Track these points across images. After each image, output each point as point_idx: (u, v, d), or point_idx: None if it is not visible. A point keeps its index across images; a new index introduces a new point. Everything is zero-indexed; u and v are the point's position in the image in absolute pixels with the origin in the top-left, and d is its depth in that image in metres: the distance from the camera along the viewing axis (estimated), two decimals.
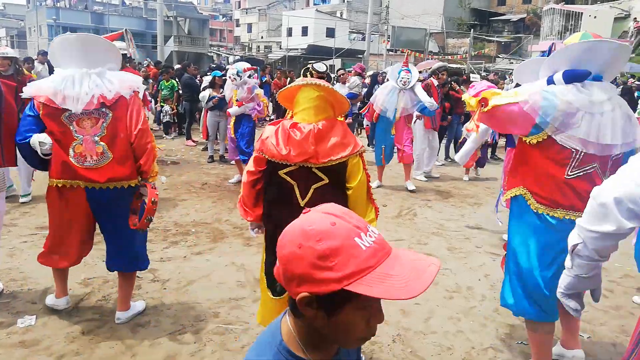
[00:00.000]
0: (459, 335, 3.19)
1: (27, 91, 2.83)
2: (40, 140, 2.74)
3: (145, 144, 2.89)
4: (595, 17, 21.99)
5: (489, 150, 9.70)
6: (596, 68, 2.35)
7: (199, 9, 49.96)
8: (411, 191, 6.85)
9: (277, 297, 2.49)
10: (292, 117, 2.48)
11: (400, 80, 6.53)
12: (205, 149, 8.97)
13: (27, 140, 2.77)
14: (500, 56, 28.76)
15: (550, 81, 2.43)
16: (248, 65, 6.83)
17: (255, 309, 3.36)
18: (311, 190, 2.34)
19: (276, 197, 2.42)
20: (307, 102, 2.35)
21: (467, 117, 9.25)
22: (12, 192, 5.77)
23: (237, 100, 6.48)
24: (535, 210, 2.45)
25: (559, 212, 2.39)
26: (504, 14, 37.62)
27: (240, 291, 3.65)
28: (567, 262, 1.35)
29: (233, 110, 6.57)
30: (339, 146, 2.32)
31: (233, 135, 6.70)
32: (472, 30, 30.74)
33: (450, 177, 8.02)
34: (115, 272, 3.35)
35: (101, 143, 2.79)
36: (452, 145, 9.59)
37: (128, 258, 3.07)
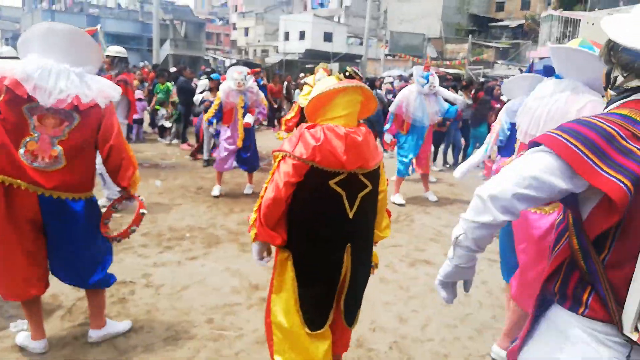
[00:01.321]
0: (456, 343, 3.16)
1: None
2: None
3: (119, 159, 2.67)
4: (593, 24, 22.07)
5: (460, 154, 9.66)
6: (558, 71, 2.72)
7: (195, 12, 50.00)
8: (434, 201, 6.71)
9: (316, 332, 2.19)
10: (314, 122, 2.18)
11: (430, 85, 6.26)
12: (201, 152, 8.93)
13: None
14: (498, 62, 28.86)
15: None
16: (248, 69, 6.64)
17: (250, 314, 3.34)
18: (358, 199, 2.13)
19: (319, 211, 2.12)
20: (350, 106, 2.12)
21: (464, 123, 9.28)
22: None
23: (243, 107, 6.12)
24: None
25: None
26: (502, 20, 37.82)
27: (234, 297, 3.61)
28: (449, 252, 1.50)
29: (251, 119, 6.17)
30: (377, 148, 2.21)
31: (240, 145, 6.19)
32: (470, 35, 30.88)
33: (448, 183, 8.00)
34: None
35: (58, 146, 2.50)
36: (450, 151, 9.61)
37: (82, 277, 2.76)
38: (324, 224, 2.13)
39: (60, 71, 2.46)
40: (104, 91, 2.62)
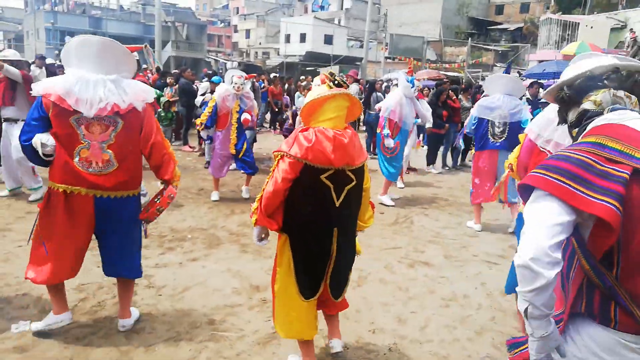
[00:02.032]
0: (455, 344, 3.18)
1: (37, 88, 2.70)
2: (42, 142, 2.65)
3: (162, 156, 2.93)
4: (591, 27, 22.13)
5: (459, 157, 9.73)
6: None
7: (197, 14, 50.10)
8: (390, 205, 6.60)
9: (309, 300, 2.58)
10: (307, 124, 2.53)
11: (415, 90, 6.37)
12: (202, 154, 8.97)
13: (29, 142, 2.68)
14: (497, 65, 28.87)
15: None
16: (245, 74, 6.65)
17: (251, 316, 3.36)
18: (344, 191, 2.49)
19: (312, 201, 2.47)
20: (337, 110, 2.47)
21: (463, 125, 9.31)
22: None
23: (238, 112, 6.07)
24: None
25: None
26: (501, 23, 37.91)
27: (235, 298, 3.64)
28: (527, 329, 1.49)
29: (250, 117, 6.11)
30: (362, 149, 2.57)
31: (233, 152, 6.15)
32: (469, 38, 30.93)
33: (448, 186, 8.03)
34: (110, 279, 3.42)
35: (108, 150, 2.75)
36: (449, 153, 9.63)
37: (128, 266, 3.05)
38: (315, 211, 2.49)
39: (97, 81, 2.70)
40: (139, 94, 2.83)
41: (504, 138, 5.31)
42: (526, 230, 1.41)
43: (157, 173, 2.99)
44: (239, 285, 3.86)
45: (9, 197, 5.83)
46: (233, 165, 6.63)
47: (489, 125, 5.40)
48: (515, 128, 5.20)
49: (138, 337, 3.04)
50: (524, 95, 7.28)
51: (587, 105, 1.54)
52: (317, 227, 2.52)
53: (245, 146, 6.26)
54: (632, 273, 1.37)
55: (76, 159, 2.71)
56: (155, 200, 2.98)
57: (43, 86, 2.71)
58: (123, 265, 3.03)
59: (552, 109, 2.79)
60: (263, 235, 2.67)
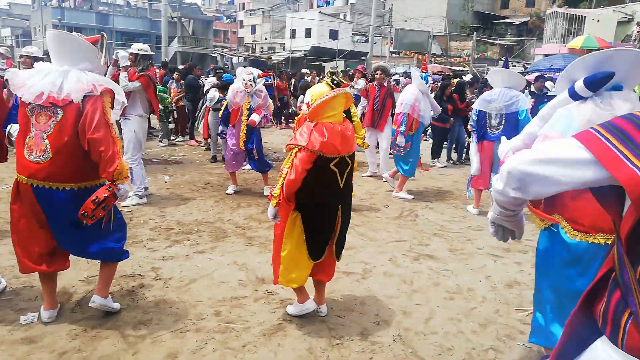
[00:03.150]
0: (460, 336, 3.20)
1: (8, 75, 2.84)
2: (10, 131, 2.95)
3: (99, 153, 2.75)
4: (598, 20, 21.96)
5: (464, 151, 9.69)
6: (616, 78, 2.23)
7: (203, 10, 50.03)
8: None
9: (316, 261, 3.14)
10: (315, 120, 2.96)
11: (429, 85, 6.48)
12: (208, 148, 9.00)
13: (5, 127, 2.99)
14: (502, 59, 28.77)
15: (571, 91, 2.35)
16: (259, 71, 6.60)
17: (257, 307, 3.39)
18: (345, 174, 3.05)
19: (322, 184, 2.98)
20: (339, 106, 3.00)
21: (469, 119, 9.28)
22: None
23: (248, 109, 6.01)
24: None
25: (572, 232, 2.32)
26: (507, 17, 37.64)
27: (241, 290, 3.67)
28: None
29: (257, 118, 6.01)
30: (354, 137, 3.12)
31: (242, 147, 6.11)
32: (475, 33, 30.75)
33: (452, 179, 8.02)
34: (118, 270, 3.48)
35: (46, 140, 2.75)
36: (453, 147, 9.61)
37: (90, 252, 3.06)
38: (325, 193, 3.03)
39: (49, 72, 2.77)
40: (80, 87, 2.76)
41: (500, 129, 5.46)
42: (531, 148, 1.35)
43: (99, 169, 2.83)
44: (244, 277, 3.89)
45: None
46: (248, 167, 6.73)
47: (487, 117, 5.59)
48: (511, 120, 5.39)
49: (145, 328, 3.08)
50: (526, 88, 7.26)
51: None
52: (327, 206, 3.08)
53: (255, 145, 6.21)
54: None
55: (25, 147, 2.79)
56: (92, 201, 2.78)
57: (13, 74, 2.85)
58: (93, 251, 3.03)
59: (582, 111, 2.31)
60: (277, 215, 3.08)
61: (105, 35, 3.24)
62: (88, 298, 3.40)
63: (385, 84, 7.33)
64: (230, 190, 6.42)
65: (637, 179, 1.03)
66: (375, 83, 7.36)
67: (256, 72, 6.31)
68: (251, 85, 5.99)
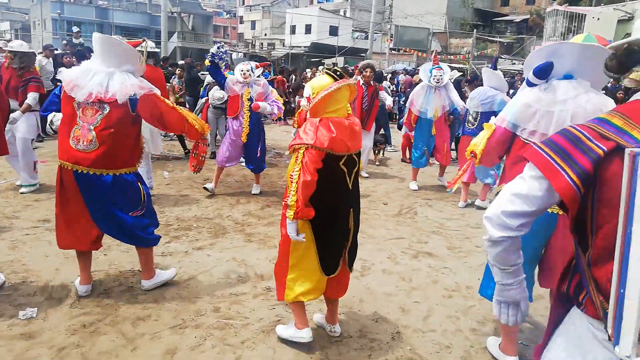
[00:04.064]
0: (458, 334, 3.21)
1: (60, 75, 3.24)
2: (53, 120, 3.33)
3: (179, 126, 3.41)
4: (598, 19, 21.93)
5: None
6: (566, 68, 2.61)
7: (203, 5, 49.82)
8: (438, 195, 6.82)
9: (331, 276, 2.84)
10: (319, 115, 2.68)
11: (434, 78, 6.50)
12: (208, 144, 8.98)
13: (47, 114, 3.36)
14: (502, 57, 28.69)
15: (527, 79, 2.76)
16: (257, 63, 6.51)
17: (256, 304, 3.39)
18: (353, 174, 2.76)
19: (332, 185, 2.68)
20: (344, 100, 2.70)
21: None
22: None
23: (249, 100, 5.84)
24: None
25: None
26: (507, 15, 37.58)
27: (240, 286, 3.67)
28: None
29: (265, 105, 5.80)
30: (360, 133, 2.79)
31: (245, 140, 5.95)
32: (475, 30, 30.70)
33: (451, 177, 8.00)
34: (117, 266, 3.68)
35: (93, 132, 3.06)
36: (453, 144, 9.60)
37: (126, 237, 3.37)
38: (334, 196, 2.71)
39: (96, 72, 3.09)
40: (125, 89, 3.10)
41: (476, 125, 5.85)
42: (503, 189, 1.51)
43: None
44: (244, 273, 3.89)
45: (17, 186, 5.87)
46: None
47: (467, 113, 6.09)
48: (486, 117, 5.61)
49: (144, 324, 3.08)
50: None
51: (626, 82, 1.49)
52: (338, 209, 2.75)
53: (260, 145, 6.10)
54: (600, 260, 1.29)
55: (71, 137, 3.09)
56: (194, 154, 3.70)
57: (63, 74, 3.19)
58: (129, 236, 3.34)
59: (525, 95, 2.71)
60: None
61: (146, 39, 3.66)
62: (86, 294, 3.41)
63: (372, 83, 7.14)
64: (208, 186, 6.14)
65: (569, 187, 1.28)
66: (362, 81, 7.06)
67: (253, 63, 6.21)
68: (250, 75, 5.86)
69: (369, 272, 4.07)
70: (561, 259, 2.66)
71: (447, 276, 4.09)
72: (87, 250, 3.37)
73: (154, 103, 3.29)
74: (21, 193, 5.68)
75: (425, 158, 6.91)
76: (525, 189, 1.42)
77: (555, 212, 2.64)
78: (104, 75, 3.09)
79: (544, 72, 2.65)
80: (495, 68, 6.33)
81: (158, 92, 3.35)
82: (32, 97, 5.58)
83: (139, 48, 3.38)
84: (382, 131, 9.55)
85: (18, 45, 5.84)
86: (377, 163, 8.24)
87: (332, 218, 2.73)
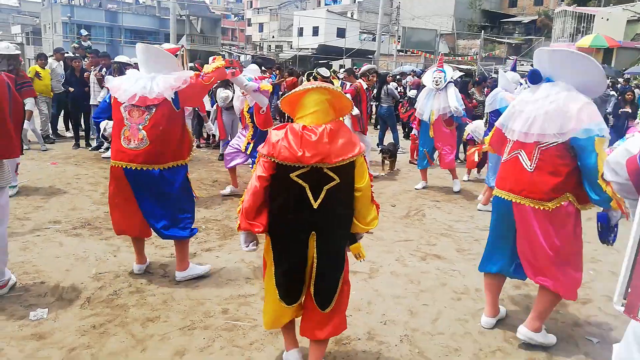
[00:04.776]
0: (467, 337, 3.19)
1: (107, 83, 3.69)
2: (105, 127, 3.56)
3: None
4: (607, 19, 21.79)
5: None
6: (547, 72, 2.90)
7: (211, 8, 50.15)
8: (456, 192, 6.93)
9: (290, 306, 2.50)
10: (294, 121, 2.45)
11: (433, 81, 6.52)
12: (217, 146, 9.02)
13: (99, 121, 3.62)
14: (510, 58, 28.57)
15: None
16: (259, 73, 6.48)
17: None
18: (323, 192, 2.32)
19: (286, 203, 2.36)
20: (314, 105, 2.35)
21: (477, 118, 9.24)
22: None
23: (248, 112, 5.89)
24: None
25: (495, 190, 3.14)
26: (515, 16, 37.41)
27: (249, 288, 3.68)
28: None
29: (240, 78, 5.30)
30: (349, 145, 2.33)
31: (243, 149, 6.02)
32: (482, 31, 30.60)
33: (460, 179, 7.98)
34: (126, 268, 3.77)
35: (142, 131, 3.35)
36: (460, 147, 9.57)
37: (167, 228, 3.58)
38: (289, 212, 2.37)
39: (139, 78, 3.40)
40: (168, 85, 3.38)
41: (487, 127, 6.24)
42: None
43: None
44: (252, 275, 3.90)
45: (28, 188, 5.94)
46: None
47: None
48: (496, 115, 5.72)
49: (153, 325, 3.10)
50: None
51: None
52: (292, 230, 2.39)
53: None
54: None
55: (122, 138, 3.39)
56: None
57: (111, 81, 3.61)
58: (173, 228, 3.58)
59: (522, 100, 2.98)
60: (251, 240, 2.57)
61: (185, 47, 3.83)
62: (97, 295, 3.44)
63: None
64: (227, 190, 6.25)
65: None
66: (367, 86, 7.17)
67: (251, 74, 6.20)
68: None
69: (377, 274, 4.07)
70: (530, 250, 2.94)
71: (455, 279, 4.07)
72: (137, 236, 3.71)
73: (190, 89, 3.50)
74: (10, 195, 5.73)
75: (426, 160, 6.95)
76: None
77: (508, 199, 2.97)
78: (147, 79, 3.38)
79: (532, 76, 2.95)
80: (514, 70, 6.34)
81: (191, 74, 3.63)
82: (31, 103, 5.79)
83: (178, 53, 3.64)
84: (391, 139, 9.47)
85: (4, 47, 5.85)
86: (384, 174, 8.05)
87: (284, 238, 2.43)
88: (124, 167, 3.39)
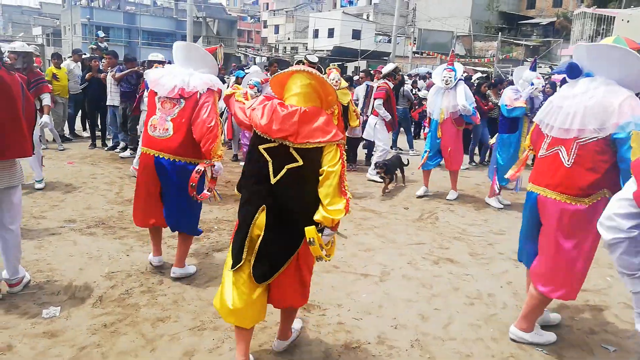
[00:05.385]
0: (479, 343, 3.14)
1: (146, 75, 3.79)
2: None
3: (203, 131, 3.38)
4: (628, 21, 21.40)
5: (487, 153, 9.52)
6: (587, 67, 2.84)
7: (227, 10, 50.47)
8: (450, 200, 6.57)
9: (232, 269, 2.55)
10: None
11: (442, 79, 6.29)
12: (230, 147, 9.06)
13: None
14: (528, 60, 28.23)
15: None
16: (264, 75, 6.52)
17: (274, 307, 3.37)
18: (284, 170, 2.40)
19: (251, 171, 2.53)
20: (297, 87, 2.44)
21: (493, 120, 9.14)
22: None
23: None
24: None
25: (529, 185, 3.07)
26: (533, 18, 36.96)
27: None
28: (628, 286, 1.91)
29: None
30: (319, 131, 2.38)
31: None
32: (499, 33, 30.30)
33: (474, 182, 7.90)
34: (138, 267, 3.77)
35: (170, 122, 3.50)
36: (476, 149, 9.47)
37: (183, 222, 3.71)
38: (250, 181, 2.54)
39: (177, 73, 3.53)
40: (204, 83, 3.53)
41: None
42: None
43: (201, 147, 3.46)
44: None
45: (45, 186, 6.03)
46: None
47: None
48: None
49: (163, 325, 3.10)
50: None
51: None
52: (248, 196, 2.54)
53: None
54: None
55: (149, 125, 3.56)
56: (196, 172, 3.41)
57: (149, 74, 3.73)
58: (178, 220, 3.68)
59: (562, 96, 2.91)
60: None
61: (222, 45, 4.03)
62: (109, 294, 3.47)
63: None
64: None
65: None
66: (393, 85, 7.32)
67: (257, 77, 6.22)
68: (258, 96, 5.95)
69: (388, 277, 4.03)
70: (546, 245, 2.95)
71: (468, 283, 4.01)
72: (155, 224, 3.77)
73: (207, 100, 3.51)
74: (38, 189, 5.95)
75: (434, 161, 6.58)
76: (629, 193, 1.70)
77: (543, 194, 2.92)
78: (185, 74, 3.53)
79: (570, 71, 2.90)
80: (534, 70, 6.17)
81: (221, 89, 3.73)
82: (49, 98, 5.93)
83: (216, 52, 3.78)
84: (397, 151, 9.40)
85: (20, 46, 6.06)
86: (382, 194, 6.83)
87: (242, 201, 2.58)
88: (155, 155, 3.52)
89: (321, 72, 2.61)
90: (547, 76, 10.67)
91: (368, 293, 3.72)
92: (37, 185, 6.01)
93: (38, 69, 6.42)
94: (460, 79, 6.36)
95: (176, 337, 2.98)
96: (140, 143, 3.72)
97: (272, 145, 2.41)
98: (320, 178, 2.38)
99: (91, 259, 4.04)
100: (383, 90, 7.26)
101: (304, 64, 2.59)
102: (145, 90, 3.74)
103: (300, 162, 2.38)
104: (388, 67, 7.79)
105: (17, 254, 3.38)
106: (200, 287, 3.67)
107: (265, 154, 2.42)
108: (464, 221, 5.73)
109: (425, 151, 6.62)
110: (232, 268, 2.54)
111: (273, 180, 2.41)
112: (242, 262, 2.52)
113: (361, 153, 9.00)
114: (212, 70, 3.69)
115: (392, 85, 7.42)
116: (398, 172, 7.21)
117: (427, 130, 6.93)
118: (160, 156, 3.51)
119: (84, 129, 10.31)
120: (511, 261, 4.53)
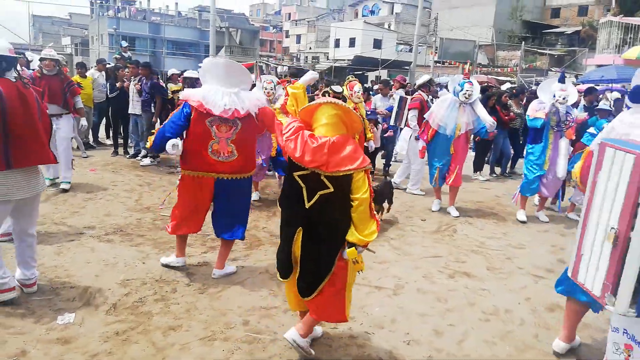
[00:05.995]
0: None
1: (182, 94, 3.80)
2: (173, 144, 3.62)
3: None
4: None
5: (509, 164, 9.35)
6: None
7: (250, 20, 51.15)
8: (455, 217, 6.25)
9: (283, 280, 2.94)
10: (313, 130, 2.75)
11: (464, 93, 5.93)
12: None
13: (171, 137, 3.65)
14: (552, 70, 27.75)
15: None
16: (277, 78, 6.54)
17: (286, 319, 3.36)
18: (317, 195, 2.63)
19: (288, 194, 2.80)
20: (325, 118, 2.66)
21: (514, 131, 9.00)
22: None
23: None
24: None
25: None
26: (557, 27, 36.42)
27: (272, 300, 3.66)
28: None
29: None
30: (348, 159, 2.58)
31: (273, 154, 6.06)
32: (523, 42, 29.93)
33: (494, 194, 7.77)
34: (153, 275, 3.85)
35: (231, 144, 3.68)
36: (497, 161, 9.33)
37: (232, 230, 3.93)
38: (287, 205, 2.83)
39: (224, 93, 3.61)
40: (254, 103, 3.73)
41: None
42: None
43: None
44: (276, 287, 3.87)
45: (67, 193, 6.15)
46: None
47: None
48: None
49: (175, 334, 3.11)
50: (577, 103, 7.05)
51: None
52: (286, 217, 2.85)
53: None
54: None
55: (209, 151, 3.66)
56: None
57: (186, 95, 3.72)
58: (229, 228, 3.91)
59: (617, 118, 2.74)
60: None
61: (258, 62, 4.16)
62: (123, 301, 3.49)
63: None
64: (254, 196, 6.25)
65: None
66: (427, 97, 7.30)
67: (275, 79, 6.26)
68: (273, 93, 5.98)
69: (402, 290, 3.97)
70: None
71: (485, 298, 3.93)
72: (189, 232, 4.05)
73: (264, 113, 3.84)
74: (63, 190, 6.23)
75: (442, 178, 6.31)
76: None
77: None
78: (234, 95, 3.64)
79: (634, 95, 2.66)
80: (562, 80, 5.93)
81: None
82: (80, 101, 6.43)
83: (253, 67, 3.85)
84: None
85: (54, 53, 6.40)
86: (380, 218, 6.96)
87: (282, 224, 2.88)
88: (216, 177, 3.73)
89: (345, 101, 2.79)
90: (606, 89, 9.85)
91: (381, 306, 3.66)
92: (63, 186, 6.29)
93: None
94: (477, 97, 6.19)
95: (187, 346, 2.99)
96: (185, 166, 3.77)
97: (305, 172, 2.64)
98: (354, 205, 2.60)
99: (107, 266, 4.09)
100: (417, 101, 7.13)
101: (329, 95, 2.76)
102: (184, 112, 3.66)
103: (331, 189, 2.60)
104: (423, 78, 7.74)
105: (34, 255, 3.54)
106: (213, 296, 3.67)
107: (299, 180, 2.67)
108: (482, 234, 5.63)
109: (435, 167, 6.29)
110: (281, 278, 2.94)
111: (307, 205, 2.66)
112: (289, 278, 2.90)
113: (379, 162, 8.95)
114: (248, 85, 3.87)
115: (426, 97, 7.36)
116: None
117: (421, 143, 6.40)
118: (222, 177, 3.74)
119: (108, 137, 10.51)
120: (530, 276, 4.42)
